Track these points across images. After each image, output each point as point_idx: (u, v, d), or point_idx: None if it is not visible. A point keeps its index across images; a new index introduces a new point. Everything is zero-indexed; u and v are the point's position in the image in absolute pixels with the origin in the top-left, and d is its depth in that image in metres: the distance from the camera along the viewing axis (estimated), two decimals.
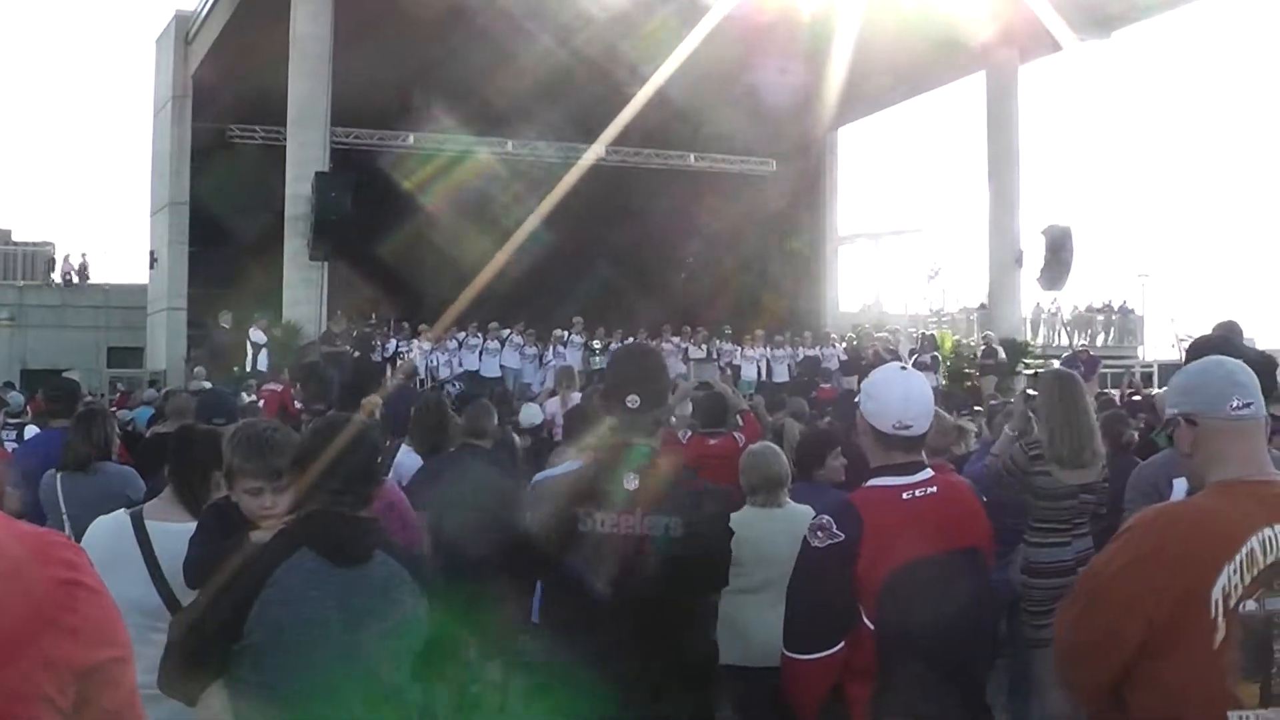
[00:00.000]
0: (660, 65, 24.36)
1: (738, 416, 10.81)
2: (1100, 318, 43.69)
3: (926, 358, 29.25)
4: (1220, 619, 3.12)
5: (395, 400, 13.02)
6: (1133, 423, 10.40)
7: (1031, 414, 7.79)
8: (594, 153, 30.75)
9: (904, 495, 4.00)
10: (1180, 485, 4.87)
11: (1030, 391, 11.50)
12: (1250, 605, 3.14)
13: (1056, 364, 29.66)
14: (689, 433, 10.64)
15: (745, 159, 37.29)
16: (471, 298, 24.46)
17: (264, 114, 29.86)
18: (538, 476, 4.77)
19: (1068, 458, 7.15)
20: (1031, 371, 27.95)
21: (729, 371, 28.79)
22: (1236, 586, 3.13)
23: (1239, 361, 3.51)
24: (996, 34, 29.13)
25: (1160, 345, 42.17)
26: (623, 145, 33.11)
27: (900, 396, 4.08)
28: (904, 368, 4.42)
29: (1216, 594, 3.13)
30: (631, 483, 3.98)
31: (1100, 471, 7.31)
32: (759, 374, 29.68)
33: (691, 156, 36.33)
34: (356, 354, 24.61)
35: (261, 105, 29.20)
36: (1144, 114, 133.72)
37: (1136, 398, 18.21)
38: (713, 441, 10.16)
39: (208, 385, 17.69)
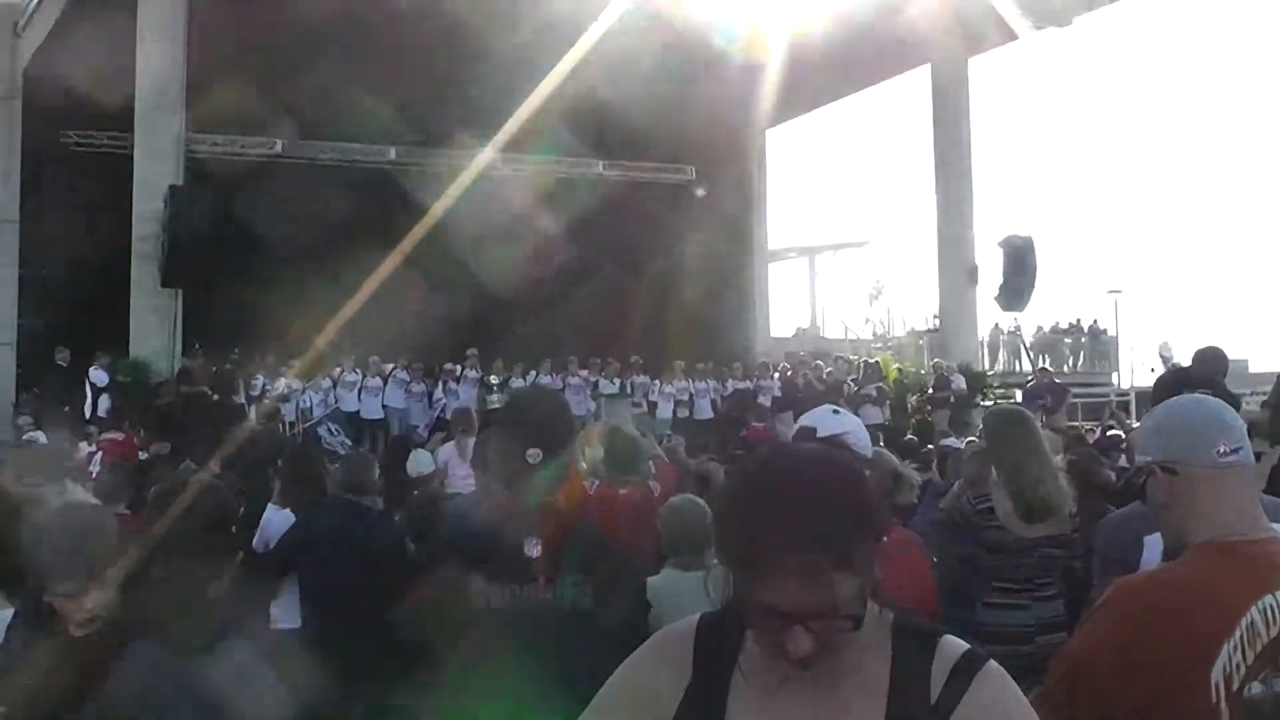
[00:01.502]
0: (560, 62, 24.40)
1: (650, 464, 10.77)
2: (1068, 340, 44.04)
3: (870, 389, 29.49)
4: (1223, 705, 3.00)
5: (260, 448, 12.91)
6: (1108, 461, 10.48)
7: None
8: (486, 160, 30.75)
9: None
10: (1154, 544, 4.74)
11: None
12: (1256, 688, 3.02)
13: (1019, 394, 29.98)
14: (595, 482, 10.22)
15: (661, 167, 37.18)
16: (349, 328, 24.44)
17: (108, 118, 29.08)
18: (448, 504, 4.72)
19: (1023, 511, 7.02)
20: (990, 404, 28.10)
21: (645, 408, 28.87)
22: (1239, 667, 3.01)
23: (1219, 401, 3.40)
24: (942, 22, 29.29)
25: (1138, 370, 42.76)
26: (519, 152, 33.13)
27: None
28: (837, 411, 4.48)
29: (1216, 677, 3.00)
30: (533, 549, 3.99)
31: (1069, 521, 7.16)
32: (676, 411, 29.77)
33: (600, 165, 36.09)
34: (216, 396, 24.37)
35: (105, 108, 28.22)
36: (1112, 113, 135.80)
37: (1113, 432, 18.24)
38: (623, 491, 9.92)
39: (40, 437, 17.49)
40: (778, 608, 2.39)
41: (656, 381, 30.16)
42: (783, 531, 2.39)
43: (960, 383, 29.39)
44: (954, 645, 2.56)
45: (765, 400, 29.72)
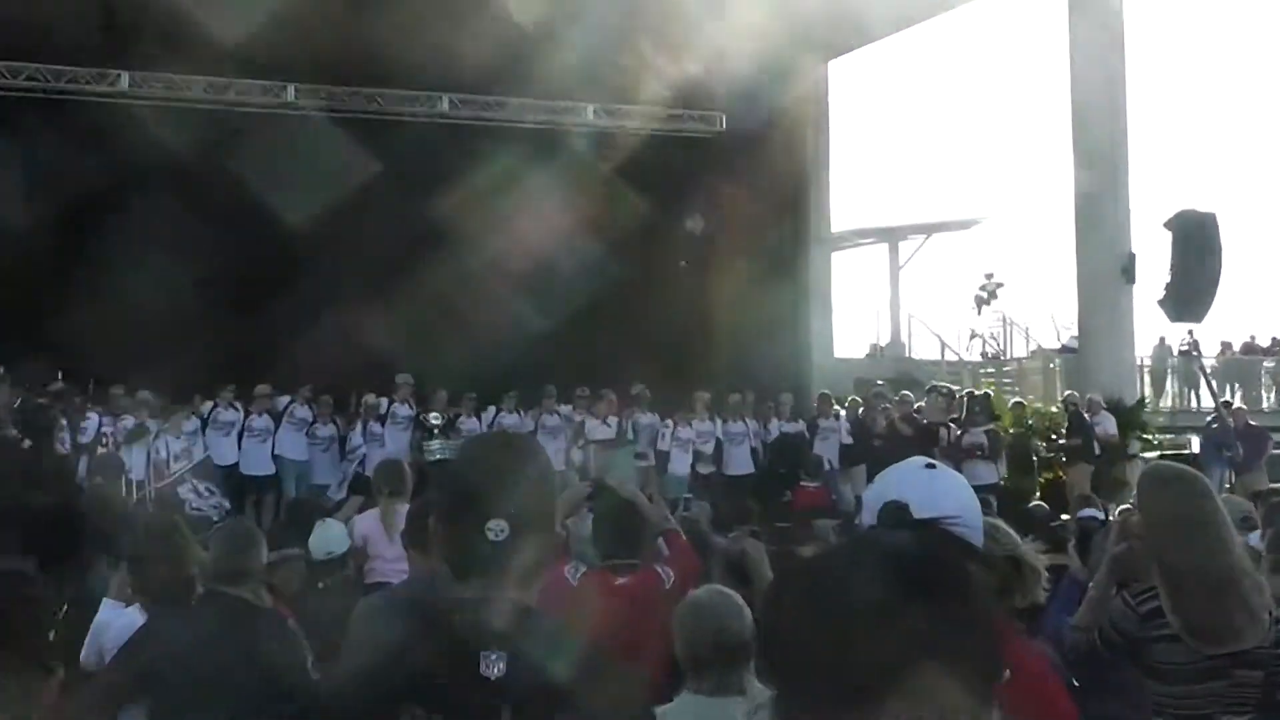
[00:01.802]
0: None
1: (660, 540, 10.59)
2: (1269, 363, 43.79)
3: (977, 435, 29.23)
4: None
5: (91, 519, 12.91)
6: None
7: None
8: (428, 104, 30.82)
9: None
10: None
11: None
12: None
13: (1195, 441, 29.91)
14: (581, 568, 10.01)
15: (675, 114, 37.03)
16: (225, 345, 24.36)
17: None
18: (364, 601, 4.68)
19: (1202, 619, 6.98)
20: (1153, 456, 27.97)
21: (653, 459, 28.88)
22: None
23: None
24: None
25: None
26: (476, 94, 33.20)
27: None
28: (931, 465, 4.44)
29: None
30: (493, 668, 3.91)
31: (1269, 630, 7.06)
32: (697, 465, 30.02)
33: (588, 110, 35.98)
34: (26, 442, 24.36)
35: None
36: None
37: None
38: (621, 580, 9.78)
39: None
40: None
41: (669, 422, 30.35)
42: (874, 674, 2.41)
43: (1108, 425, 29.25)
44: None
45: (828, 450, 29.66)
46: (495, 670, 3.90)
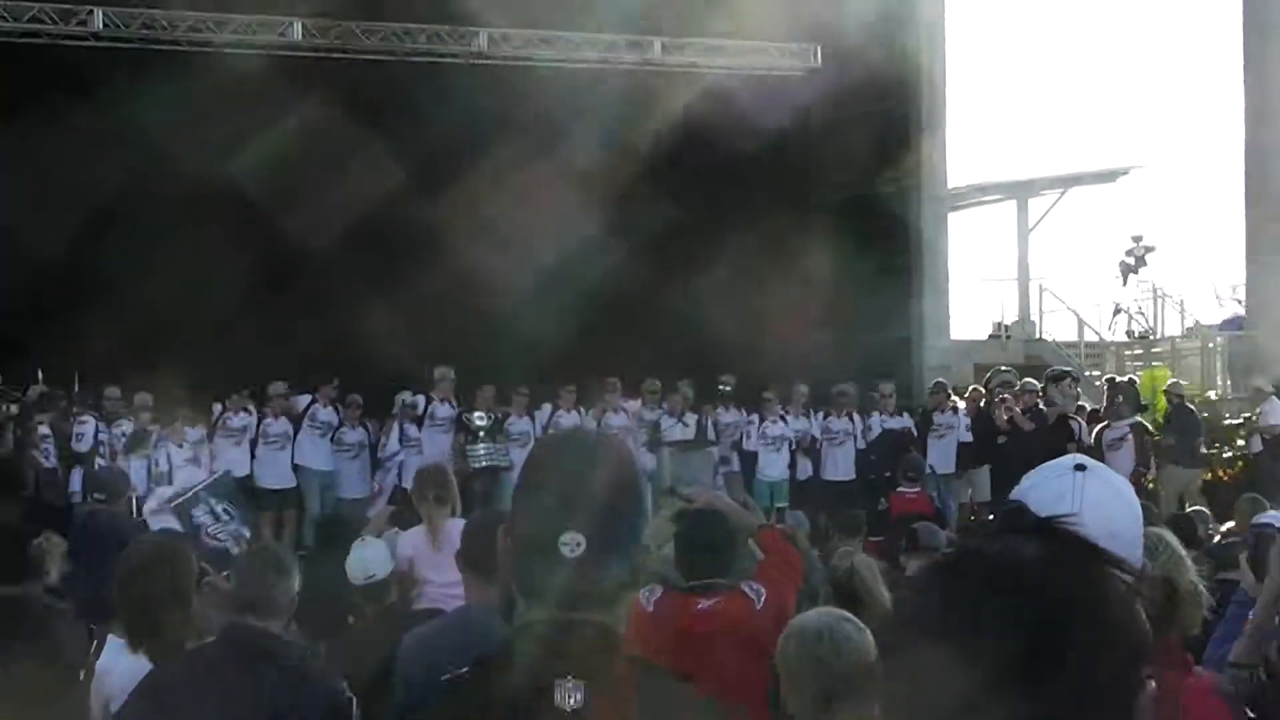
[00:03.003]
0: None
1: (752, 543, 10.53)
2: None
3: (1123, 430, 29.07)
4: None
5: (89, 546, 13.01)
6: None
7: None
8: (469, 42, 30.98)
9: None
10: None
11: None
12: None
13: None
14: (658, 590, 10.18)
15: (762, 47, 37.08)
16: (234, 338, 24.46)
17: None
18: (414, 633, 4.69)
19: None
20: None
21: (735, 463, 28.89)
22: None
23: None
24: None
25: None
26: (525, 27, 33.28)
27: None
28: (1081, 466, 4.49)
29: None
30: (571, 699, 3.95)
31: None
32: (795, 468, 30.08)
33: (656, 44, 35.93)
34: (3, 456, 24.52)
35: None
36: None
37: None
38: (704, 604, 9.89)
39: None
40: None
41: (755, 417, 30.40)
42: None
43: (1274, 416, 29.10)
44: None
45: (944, 450, 29.60)
46: (572, 701, 3.93)
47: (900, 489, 26.16)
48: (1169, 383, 31.96)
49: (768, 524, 10.73)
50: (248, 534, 20.82)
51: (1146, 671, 2.59)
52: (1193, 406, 29.75)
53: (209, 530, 16.68)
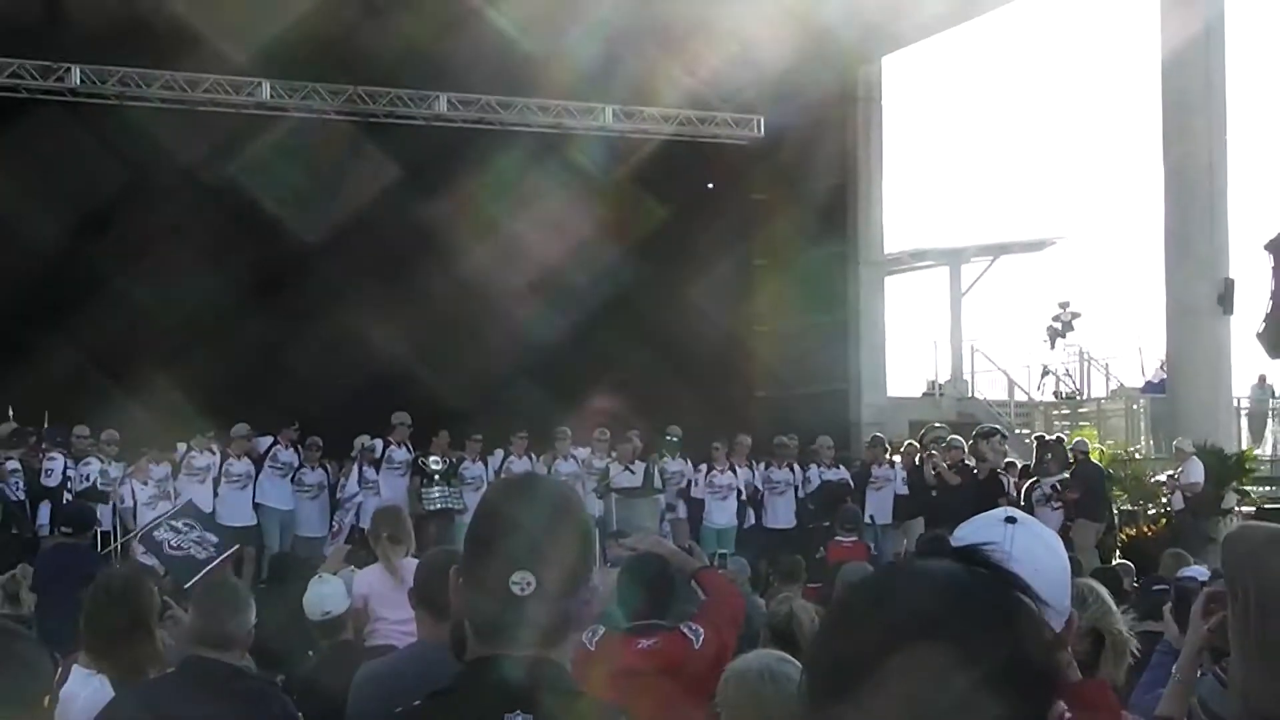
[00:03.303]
0: None
1: (694, 584, 10.58)
2: None
3: (1048, 487, 29.14)
4: None
5: (55, 577, 12.99)
6: None
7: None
8: (429, 107, 31.05)
9: None
10: None
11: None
12: None
13: None
14: (599, 630, 9.94)
15: (707, 117, 37.08)
16: (199, 378, 24.37)
17: None
18: (368, 666, 4.66)
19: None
20: (1249, 511, 27.94)
21: (681, 511, 29.02)
22: None
23: None
24: None
25: None
26: (476, 92, 33.51)
27: None
28: (1012, 518, 4.49)
29: None
30: None
31: None
32: (741, 516, 30.03)
33: (608, 112, 35.99)
34: None
35: None
36: None
37: None
38: (644, 644, 9.80)
39: None
40: None
41: (702, 467, 30.44)
42: (886, 690, 2.51)
43: (1192, 473, 29.22)
44: None
45: (880, 501, 29.66)
46: None
47: (838, 538, 26.27)
48: (1075, 440, 32.21)
49: (709, 566, 10.67)
50: (213, 539, 20.77)
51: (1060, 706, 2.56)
52: (1097, 463, 29.85)
53: (170, 544, 16.67)
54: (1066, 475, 29.70)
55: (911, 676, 2.47)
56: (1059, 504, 28.34)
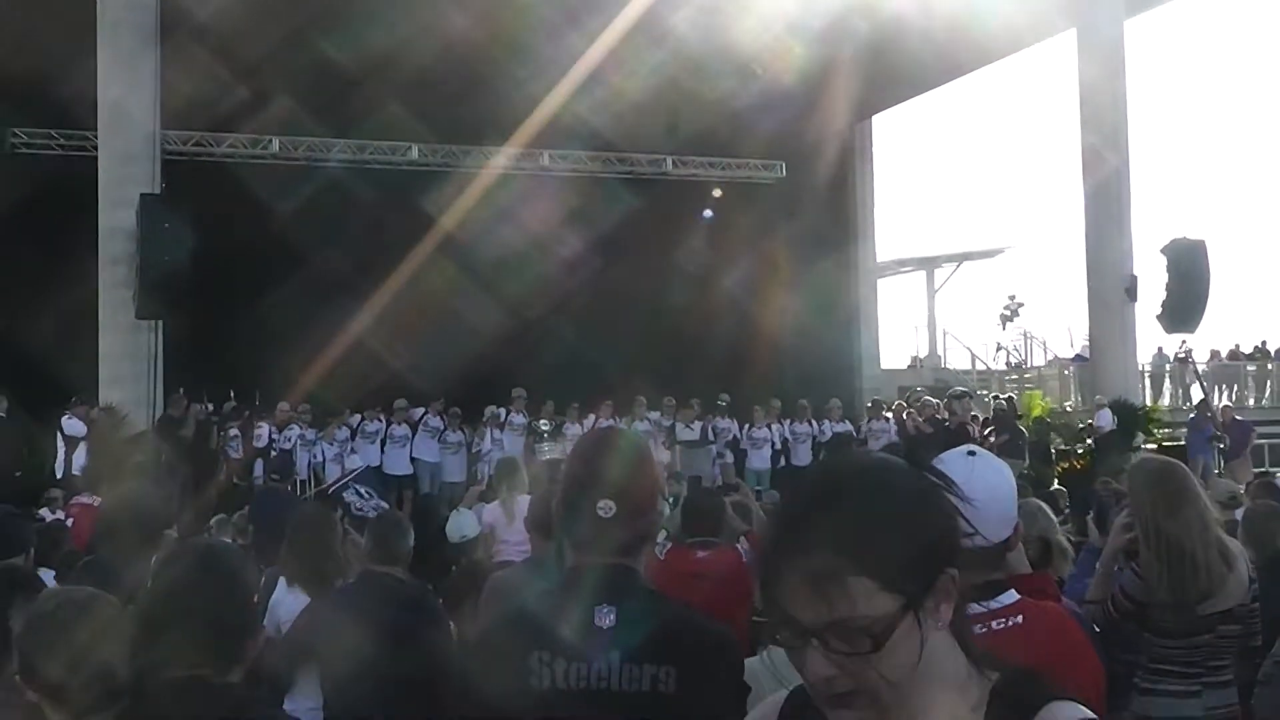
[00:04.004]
0: (614, 38, 24.70)
1: (742, 539, 10.56)
2: (1251, 367, 43.47)
3: (1005, 435, 29.13)
4: None
5: (266, 514, 13.01)
6: None
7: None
8: (532, 160, 30.95)
9: (976, 629, 3.98)
10: None
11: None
12: None
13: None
14: (667, 544, 10.22)
15: (742, 164, 37.35)
16: (368, 364, 24.35)
17: (64, 114, 29.45)
18: (495, 576, 4.67)
19: (1186, 589, 7.11)
20: (1151, 448, 27.82)
21: (729, 457, 29.03)
22: None
23: None
24: None
25: None
26: (570, 149, 33.52)
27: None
28: (973, 452, 4.47)
29: None
30: (605, 619, 4.04)
31: (1246, 591, 7.27)
32: (774, 460, 30.27)
33: (669, 161, 36.22)
34: (193, 447, 24.46)
35: (60, 101, 28.29)
36: None
37: None
38: (702, 554, 9.90)
39: None
40: (787, 617, 2.47)
41: (746, 426, 30.63)
42: (797, 529, 2.49)
43: (1103, 420, 29.18)
44: (1064, 714, 2.56)
45: (878, 446, 29.54)
46: (606, 621, 4.01)
47: None
48: (1002, 397, 32.57)
49: (752, 529, 10.66)
50: (385, 505, 20.79)
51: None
52: (1012, 412, 30.45)
53: (356, 506, 16.68)
54: (992, 426, 29.86)
55: (824, 516, 2.48)
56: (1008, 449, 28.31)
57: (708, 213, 36.81)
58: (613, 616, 4.04)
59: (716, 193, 36.55)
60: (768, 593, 2.49)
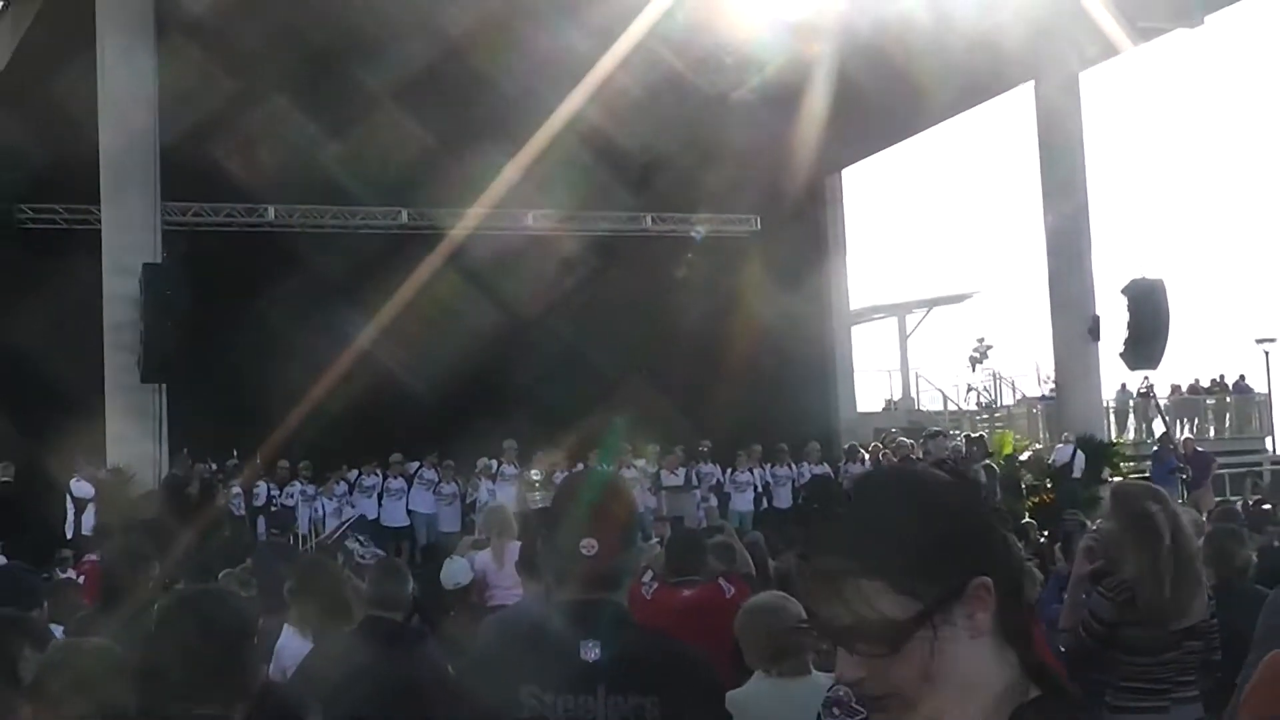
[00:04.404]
0: (585, 100, 24.81)
1: (721, 580, 10.43)
2: (1210, 400, 43.67)
3: (976, 470, 29.15)
4: None
5: (269, 564, 13.07)
6: (1254, 539, 10.49)
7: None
8: (514, 219, 31.06)
9: None
10: None
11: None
12: None
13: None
14: (655, 584, 10.31)
15: (718, 218, 37.54)
16: (364, 423, 24.39)
17: (67, 188, 29.74)
18: (489, 619, 4.73)
19: (1163, 605, 7.17)
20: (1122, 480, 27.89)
21: (713, 501, 29.07)
22: None
23: None
24: (1047, 28, 28.75)
25: None
26: (552, 209, 33.63)
27: None
28: None
29: None
30: (590, 652, 4.07)
31: (1206, 608, 7.37)
32: (756, 503, 30.42)
33: (648, 218, 36.47)
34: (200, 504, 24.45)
35: (63, 176, 28.58)
36: (1260, 128, 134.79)
37: (1266, 506, 18.43)
38: (687, 592, 9.94)
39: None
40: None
41: (729, 470, 30.67)
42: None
43: (1061, 455, 29.36)
44: None
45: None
46: (592, 655, 4.04)
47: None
48: (974, 435, 32.83)
49: (729, 570, 10.78)
50: (381, 554, 20.88)
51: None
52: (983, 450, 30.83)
53: (358, 554, 16.84)
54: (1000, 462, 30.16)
55: (850, 522, 2.48)
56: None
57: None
58: (598, 650, 4.06)
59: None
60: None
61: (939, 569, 2.43)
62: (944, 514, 2.49)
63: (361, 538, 24.14)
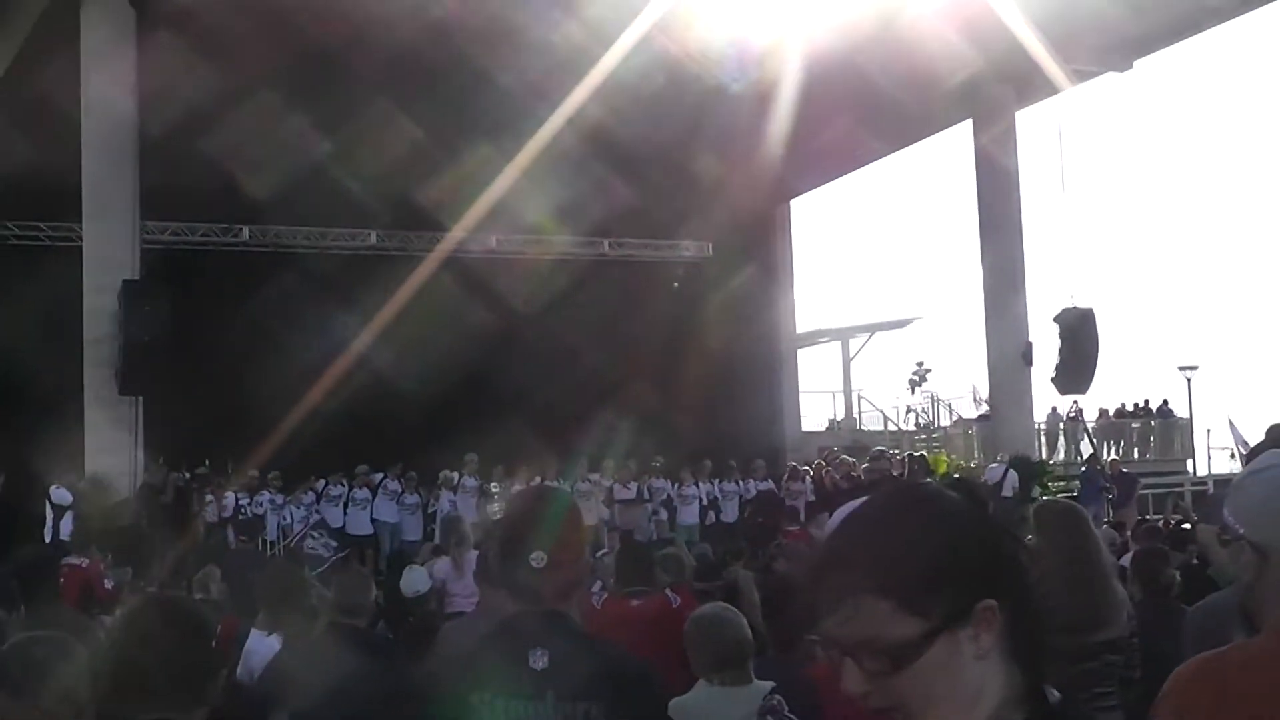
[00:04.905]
0: (551, 129, 24.82)
1: (668, 591, 10.56)
2: (1136, 424, 43.92)
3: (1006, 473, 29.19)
4: None
5: (239, 570, 13.05)
6: (1176, 557, 10.56)
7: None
8: (479, 243, 31.02)
9: None
10: None
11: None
12: None
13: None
14: (604, 594, 10.33)
15: (672, 244, 37.76)
16: (331, 435, 24.32)
17: (50, 207, 29.68)
18: (447, 625, 4.74)
19: (1082, 613, 7.16)
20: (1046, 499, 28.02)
21: (663, 514, 29.06)
22: None
23: None
24: (984, 69, 28.97)
25: (1216, 455, 42.52)
26: (514, 233, 33.61)
27: None
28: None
29: None
30: (539, 660, 4.09)
31: (1127, 624, 7.41)
32: (703, 516, 30.35)
33: (605, 244, 36.64)
34: (174, 511, 24.40)
35: (46, 195, 28.58)
36: (1180, 169, 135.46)
37: (1186, 526, 18.55)
38: (635, 603, 9.96)
39: None
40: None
41: (677, 484, 30.63)
42: (828, 548, 2.52)
43: (992, 475, 29.41)
44: None
45: (797, 503, 29.64)
46: (540, 663, 4.06)
47: (789, 528, 26.35)
48: (917, 454, 32.91)
49: (682, 580, 10.85)
50: (334, 544, 20.79)
51: None
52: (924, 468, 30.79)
53: (309, 546, 16.87)
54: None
55: (853, 541, 2.49)
56: None
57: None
58: (546, 659, 4.08)
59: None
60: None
61: (948, 590, 2.42)
62: (955, 535, 2.48)
63: (317, 533, 24.19)
